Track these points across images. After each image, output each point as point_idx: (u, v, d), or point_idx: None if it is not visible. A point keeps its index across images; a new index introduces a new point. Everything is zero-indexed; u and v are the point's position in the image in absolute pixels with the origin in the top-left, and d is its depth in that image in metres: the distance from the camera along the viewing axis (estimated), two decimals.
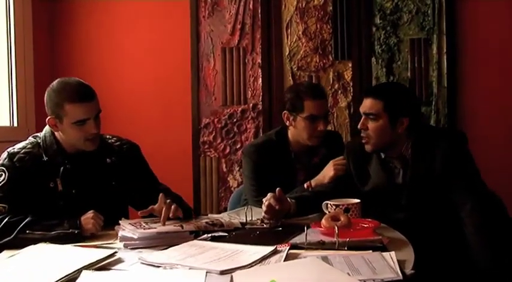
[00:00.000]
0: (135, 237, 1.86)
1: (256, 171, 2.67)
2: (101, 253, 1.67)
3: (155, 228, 1.92)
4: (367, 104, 2.35)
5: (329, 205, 2.16)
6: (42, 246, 1.82)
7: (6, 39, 3.42)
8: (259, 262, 1.58)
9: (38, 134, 2.26)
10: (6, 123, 3.43)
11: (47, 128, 2.23)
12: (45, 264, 1.62)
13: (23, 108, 3.47)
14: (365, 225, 1.96)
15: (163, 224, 1.99)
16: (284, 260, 1.60)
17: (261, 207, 2.31)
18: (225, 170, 3.57)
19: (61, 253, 1.73)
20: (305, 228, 1.80)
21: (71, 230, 1.96)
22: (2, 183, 2.09)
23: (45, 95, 2.19)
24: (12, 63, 3.44)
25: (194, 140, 3.58)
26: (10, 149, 2.19)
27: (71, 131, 2.14)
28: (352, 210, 2.12)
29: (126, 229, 1.93)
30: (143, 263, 1.64)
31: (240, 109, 3.55)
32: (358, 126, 2.37)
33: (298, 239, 1.82)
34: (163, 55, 3.66)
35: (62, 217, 2.01)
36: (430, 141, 2.29)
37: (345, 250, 1.71)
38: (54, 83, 2.20)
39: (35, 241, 1.88)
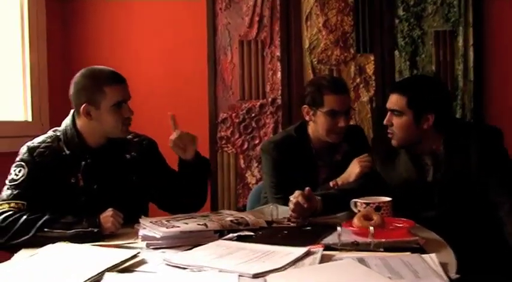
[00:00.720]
0: (158, 236, 1.77)
1: (276, 168, 2.58)
2: (124, 254, 1.59)
3: (178, 226, 1.83)
4: (392, 100, 2.28)
5: (358, 203, 2.06)
6: (61, 246, 1.75)
7: (21, 35, 3.39)
8: (293, 264, 1.49)
9: (58, 127, 2.19)
10: (21, 118, 3.38)
11: (67, 121, 2.17)
12: (67, 266, 1.54)
13: (37, 103, 3.43)
14: (399, 225, 1.87)
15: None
16: (319, 262, 1.51)
17: (281, 205, 2.24)
18: (243, 166, 3.48)
19: (82, 253, 1.65)
20: (339, 228, 1.71)
21: (90, 229, 1.88)
22: (21, 179, 2.02)
23: (75, 85, 2.13)
24: (26, 59, 3.40)
25: (211, 135, 3.49)
26: (29, 143, 2.12)
27: (107, 117, 2.10)
28: (384, 209, 2.02)
29: (147, 228, 1.85)
30: (168, 265, 1.55)
31: (258, 104, 3.46)
32: (384, 122, 2.31)
33: (330, 240, 1.73)
34: (179, 49, 3.57)
35: (81, 214, 1.93)
36: (464, 137, 2.20)
37: (381, 251, 1.63)
38: (83, 71, 2.15)
39: (54, 240, 1.81)
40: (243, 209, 3.11)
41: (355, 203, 2.08)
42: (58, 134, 2.15)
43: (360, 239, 1.71)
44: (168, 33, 3.59)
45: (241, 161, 3.48)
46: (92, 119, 2.11)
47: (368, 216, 1.86)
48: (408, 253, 1.58)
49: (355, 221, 1.83)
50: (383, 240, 1.67)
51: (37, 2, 3.43)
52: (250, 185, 3.42)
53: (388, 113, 2.30)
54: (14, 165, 2.07)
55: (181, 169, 2.28)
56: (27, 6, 3.38)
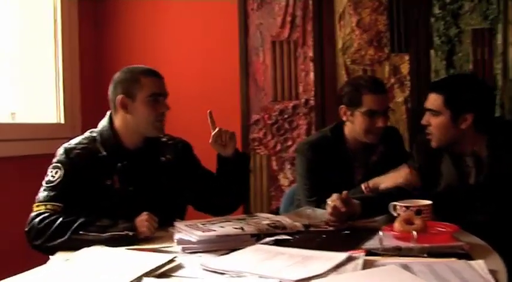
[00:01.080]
0: (194, 240, 1.74)
1: (311, 170, 2.54)
2: (161, 258, 1.56)
3: (214, 230, 1.80)
4: (429, 99, 2.25)
5: (398, 207, 2.00)
6: (97, 250, 1.73)
7: (53, 38, 3.42)
8: (335, 270, 1.44)
9: (94, 129, 2.19)
10: (53, 120, 3.39)
11: (104, 122, 2.17)
12: (103, 270, 1.52)
13: (70, 105, 3.45)
14: (442, 230, 1.80)
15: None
16: (361, 268, 1.46)
17: (313, 207, 2.23)
18: (275, 168, 3.44)
19: (118, 257, 1.63)
20: (380, 232, 1.65)
21: (125, 232, 1.86)
22: (58, 180, 2.01)
23: (113, 81, 2.16)
24: (58, 62, 3.44)
25: (243, 136, 3.46)
26: (66, 145, 2.12)
27: (143, 109, 2.10)
28: (424, 213, 1.95)
29: (183, 231, 1.82)
30: (206, 270, 1.51)
31: (291, 105, 3.41)
32: (422, 122, 2.27)
33: (372, 244, 1.68)
34: (210, 50, 3.56)
35: (117, 216, 1.92)
36: (507, 137, 2.12)
37: (425, 257, 1.57)
38: (122, 69, 2.18)
39: (89, 242, 1.81)
40: (276, 211, 3.07)
41: (394, 206, 2.02)
42: (94, 135, 2.15)
43: (402, 244, 1.65)
44: (200, 34, 3.58)
45: (274, 163, 3.44)
46: (128, 113, 2.11)
47: (409, 220, 1.80)
48: (454, 259, 1.51)
49: (397, 225, 1.77)
50: (426, 245, 1.61)
51: (69, 4, 3.45)
52: (283, 187, 3.38)
53: (426, 113, 2.26)
54: (50, 166, 2.07)
55: (220, 166, 2.27)
56: (60, 9, 3.40)
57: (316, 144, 2.57)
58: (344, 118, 2.54)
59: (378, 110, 2.44)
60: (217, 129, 2.22)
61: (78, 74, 3.52)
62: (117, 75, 2.16)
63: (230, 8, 3.49)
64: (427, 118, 2.25)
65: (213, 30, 3.55)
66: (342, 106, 2.52)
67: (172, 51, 3.62)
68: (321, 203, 2.34)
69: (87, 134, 2.17)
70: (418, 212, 1.94)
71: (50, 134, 3.25)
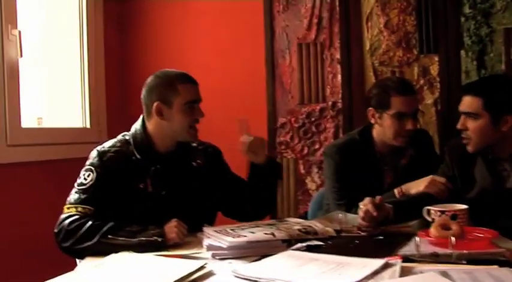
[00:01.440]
0: (224, 246, 1.70)
1: (339, 173, 2.49)
2: (191, 265, 1.53)
3: (245, 236, 1.76)
4: (465, 102, 2.16)
5: (432, 211, 1.94)
6: (126, 256, 1.70)
7: (79, 42, 3.42)
8: (371, 277, 1.39)
9: (127, 132, 2.17)
10: (79, 125, 3.39)
11: (137, 126, 2.15)
12: (134, 277, 1.49)
13: (95, 110, 3.45)
14: (480, 235, 1.74)
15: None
16: (399, 275, 1.40)
17: (343, 211, 2.18)
18: (302, 171, 3.39)
19: (147, 264, 1.60)
20: (417, 238, 1.60)
21: (154, 238, 1.83)
22: (90, 183, 2.00)
23: (147, 86, 2.13)
24: (84, 66, 3.44)
25: (270, 140, 3.41)
26: (99, 148, 2.10)
27: (179, 116, 2.08)
28: (460, 217, 1.89)
29: (212, 237, 1.78)
30: (237, 277, 1.48)
31: (318, 108, 3.36)
32: (457, 126, 2.19)
33: (407, 250, 1.63)
34: (236, 52, 3.53)
35: (149, 220, 1.90)
36: None
37: (463, 264, 1.51)
38: (156, 73, 2.16)
39: (117, 247, 1.79)
40: (304, 216, 3.03)
41: (428, 210, 1.96)
42: (127, 138, 2.14)
43: (440, 250, 1.60)
44: (225, 36, 3.56)
45: (301, 167, 3.39)
46: (164, 119, 2.09)
47: (445, 225, 1.74)
48: (495, 266, 1.46)
49: (433, 230, 1.72)
50: (465, 251, 1.56)
51: (95, 7, 3.45)
52: (310, 191, 3.34)
53: (462, 117, 2.18)
54: (83, 169, 2.06)
55: (252, 173, 2.24)
56: (86, 14, 3.40)
57: (344, 147, 2.53)
58: (372, 121, 2.49)
59: (406, 112, 2.38)
60: (252, 138, 2.17)
61: (103, 78, 3.52)
62: (151, 80, 2.13)
63: (256, 10, 3.46)
64: (463, 122, 2.17)
65: (239, 33, 3.52)
66: (370, 108, 2.47)
67: (198, 54, 3.60)
68: (350, 206, 2.29)
69: (119, 137, 2.16)
70: (454, 216, 1.89)
71: (75, 138, 3.25)
